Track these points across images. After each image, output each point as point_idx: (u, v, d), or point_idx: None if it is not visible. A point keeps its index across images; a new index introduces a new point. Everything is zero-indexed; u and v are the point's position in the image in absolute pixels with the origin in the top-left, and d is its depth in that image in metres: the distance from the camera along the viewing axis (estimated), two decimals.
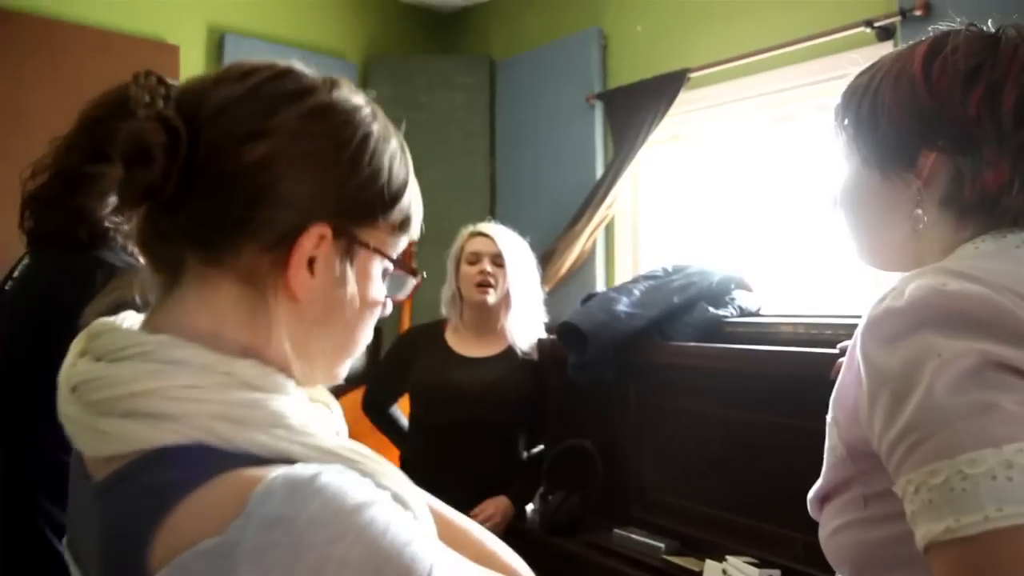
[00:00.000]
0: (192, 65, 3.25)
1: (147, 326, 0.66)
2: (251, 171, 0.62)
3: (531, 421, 2.35)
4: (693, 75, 2.92)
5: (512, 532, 2.19)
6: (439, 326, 2.46)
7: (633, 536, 1.86)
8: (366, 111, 0.69)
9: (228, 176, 0.62)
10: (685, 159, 3.15)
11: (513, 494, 2.24)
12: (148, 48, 3.07)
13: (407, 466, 1.71)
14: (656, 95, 3.01)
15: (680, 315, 2.02)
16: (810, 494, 0.90)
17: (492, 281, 2.32)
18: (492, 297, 2.32)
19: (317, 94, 0.66)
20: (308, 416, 0.65)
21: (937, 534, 0.65)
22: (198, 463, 0.57)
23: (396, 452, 2.44)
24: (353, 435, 0.71)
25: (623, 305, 2.00)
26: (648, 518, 1.95)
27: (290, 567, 0.51)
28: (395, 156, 0.70)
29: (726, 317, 2.05)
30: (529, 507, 2.30)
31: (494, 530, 2.14)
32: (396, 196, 0.70)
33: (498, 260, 2.34)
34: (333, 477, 0.56)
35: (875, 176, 0.86)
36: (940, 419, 0.67)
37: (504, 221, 3.60)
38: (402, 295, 0.75)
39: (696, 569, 1.69)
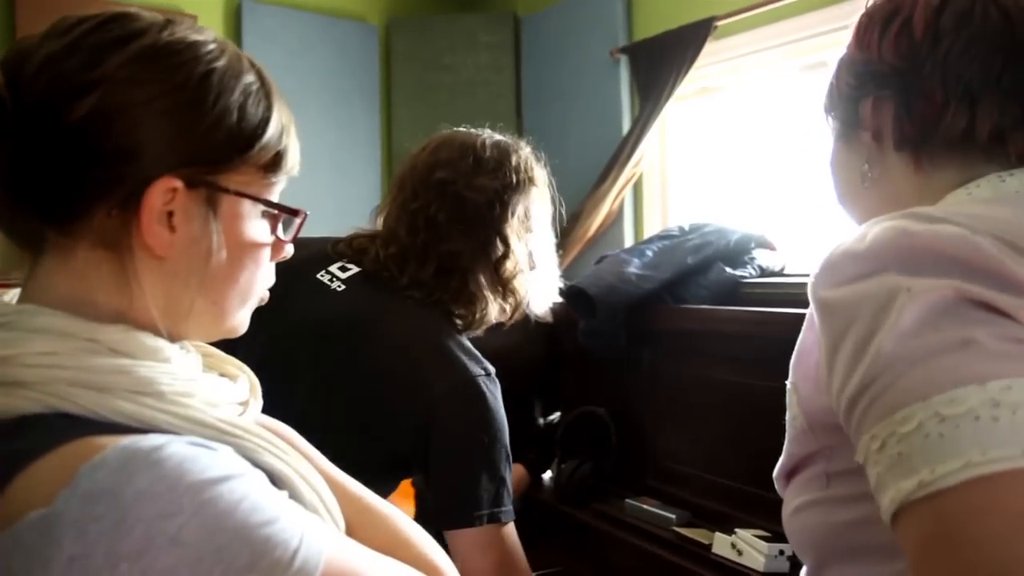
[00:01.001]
0: None
1: (18, 300, 0.63)
2: (80, 129, 0.58)
3: (546, 387, 2.29)
4: (720, 23, 2.78)
5: (528, 501, 2.15)
6: None
7: (645, 507, 1.80)
8: (208, 48, 0.63)
9: (58, 138, 0.58)
10: (714, 113, 3.02)
11: (529, 462, 2.19)
12: None
13: None
14: (681, 47, 2.88)
15: (695, 276, 1.92)
16: (775, 471, 0.83)
17: None
18: None
19: (145, 37, 0.61)
20: (189, 385, 0.62)
21: (908, 492, 0.54)
22: (49, 431, 0.54)
23: None
24: None
25: (634, 267, 1.91)
26: (662, 487, 1.88)
27: (114, 542, 0.48)
28: (249, 92, 0.65)
29: (744, 278, 1.95)
30: (547, 475, 2.26)
31: None
32: (254, 135, 0.65)
33: None
34: (179, 449, 0.52)
35: (841, 144, 0.86)
36: (911, 358, 0.57)
37: None
38: (288, 235, 0.71)
39: (706, 542, 1.62)
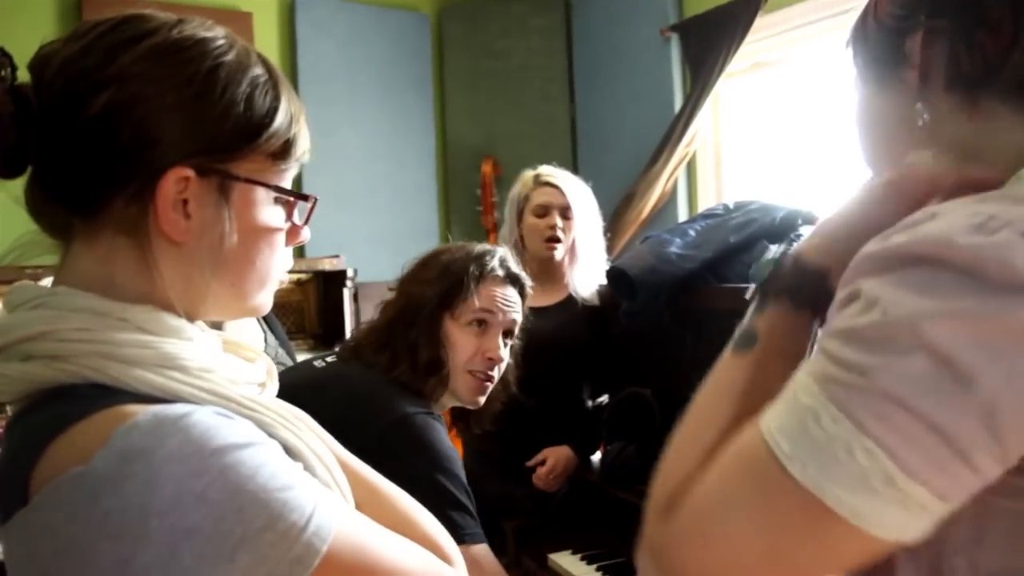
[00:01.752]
0: (266, 31, 3.31)
1: (52, 284, 0.69)
2: (95, 125, 0.63)
3: (594, 369, 2.29)
4: None
5: (575, 483, 2.16)
6: None
7: None
8: (217, 43, 0.67)
9: (77, 132, 0.63)
10: (768, 88, 2.95)
11: (577, 444, 2.20)
12: (221, 17, 3.02)
13: (468, 419, 1.71)
14: (732, 21, 2.83)
15: (738, 255, 1.89)
16: None
17: (561, 236, 2.26)
18: (560, 252, 2.27)
19: (156, 35, 0.65)
20: (212, 362, 0.66)
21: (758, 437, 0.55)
22: (85, 399, 0.59)
23: None
24: None
25: (675, 247, 1.90)
26: None
27: (147, 498, 0.53)
28: (256, 84, 0.68)
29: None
30: (596, 457, 2.26)
31: (555, 480, 2.14)
32: (262, 124, 0.68)
33: (567, 213, 2.27)
34: (204, 417, 0.57)
35: (873, 89, 0.73)
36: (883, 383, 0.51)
37: (586, 166, 3.51)
38: (300, 220, 0.75)
39: None
